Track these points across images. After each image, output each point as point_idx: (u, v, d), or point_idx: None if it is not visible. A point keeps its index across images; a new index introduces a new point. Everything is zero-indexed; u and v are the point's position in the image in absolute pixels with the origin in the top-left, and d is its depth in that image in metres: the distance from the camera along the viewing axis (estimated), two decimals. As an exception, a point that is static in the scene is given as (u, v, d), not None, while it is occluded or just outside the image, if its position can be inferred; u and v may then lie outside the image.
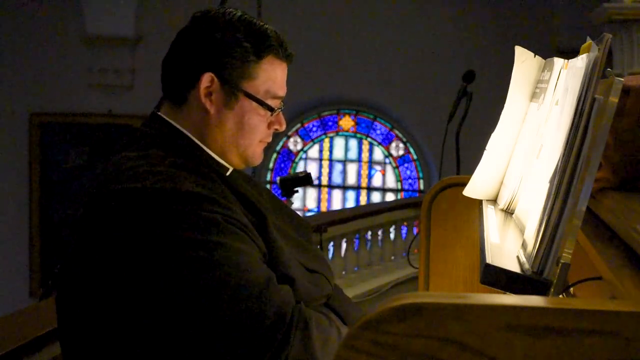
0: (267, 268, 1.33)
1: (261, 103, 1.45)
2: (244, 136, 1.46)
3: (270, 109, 1.46)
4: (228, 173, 1.48)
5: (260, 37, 1.44)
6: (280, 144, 10.33)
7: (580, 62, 1.17)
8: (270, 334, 1.25)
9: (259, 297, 1.26)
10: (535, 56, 1.62)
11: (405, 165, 10.21)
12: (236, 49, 1.42)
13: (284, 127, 1.52)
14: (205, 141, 1.45)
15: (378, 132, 10.22)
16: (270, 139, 1.52)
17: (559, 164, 1.08)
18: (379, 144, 10.24)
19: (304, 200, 10.34)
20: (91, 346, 1.35)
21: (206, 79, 1.41)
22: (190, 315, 1.25)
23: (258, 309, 1.25)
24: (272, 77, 1.46)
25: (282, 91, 1.48)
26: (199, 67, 1.42)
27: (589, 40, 1.17)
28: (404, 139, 10.13)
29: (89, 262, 1.32)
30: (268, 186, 10.18)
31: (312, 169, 10.32)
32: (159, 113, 1.48)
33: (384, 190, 10.32)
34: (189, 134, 1.44)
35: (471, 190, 1.70)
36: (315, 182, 10.20)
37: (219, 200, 1.32)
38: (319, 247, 4.55)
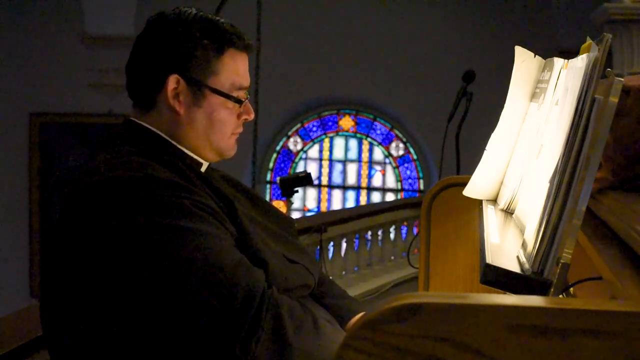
0: (238, 251, 1.34)
1: (228, 97, 1.47)
2: (215, 131, 1.48)
3: (239, 102, 1.49)
4: (203, 169, 1.51)
5: (218, 33, 1.47)
6: (280, 144, 10.34)
7: (580, 62, 1.17)
8: (239, 317, 1.25)
9: (227, 280, 1.27)
10: (535, 56, 1.62)
11: (405, 165, 10.21)
12: (197, 48, 1.44)
13: (252, 116, 1.54)
14: (178, 141, 1.48)
15: (378, 132, 10.23)
16: (241, 129, 1.55)
17: (559, 164, 1.08)
18: (379, 144, 10.24)
19: (304, 200, 10.34)
20: (75, 342, 1.35)
21: (172, 81, 1.44)
22: (160, 299, 1.26)
23: (227, 291, 1.26)
24: (234, 69, 1.48)
25: (246, 82, 1.51)
26: (163, 71, 1.44)
27: (589, 40, 1.17)
28: (404, 139, 10.13)
29: (65, 257, 1.34)
30: (268, 186, 10.19)
31: (312, 169, 10.32)
32: (131, 118, 1.50)
33: (384, 190, 10.32)
34: (161, 133, 1.47)
35: (471, 190, 1.70)
36: (315, 182, 10.20)
37: (186, 187, 1.34)
38: (318, 247, 4.55)
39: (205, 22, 1.47)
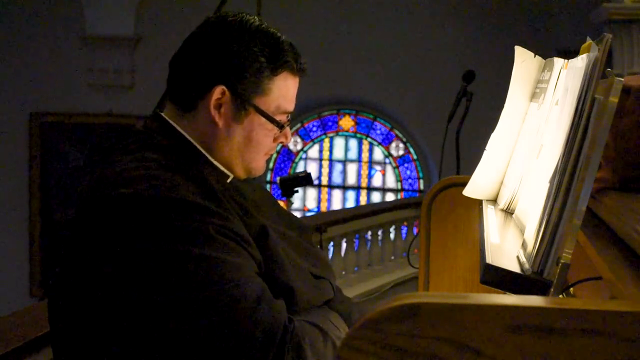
0: (261, 281, 1.29)
1: (271, 120, 1.42)
2: (251, 150, 1.43)
3: (280, 126, 1.44)
4: (229, 180, 1.46)
5: (277, 52, 1.41)
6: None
7: (580, 62, 1.17)
8: (259, 355, 1.22)
9: (248, 317, 1.23)
10: (535, 56, 1.62)
11: (405, 165, 10.21)
12: (252, 64, 1.39)
13: (289, 141, 1.50)
14: (211, 152, 1.42)
15: (378, 132, 10.23)
16: (274, 152, 1.51)
17: (559, 164, 1.08)
18: (379, 144, 10.24)
19: (304, 200, 10.34)
20: (81, 352, 1.33)
21: (218, 91, 1.38)
22: (176, 334, 1.23)
23: (247, 329, 1.22)
24: (284, 93, 1.43)
25: (291, 106, 1.46)
26: (212, 79, 1.39)
27: (589, 40, 1.17)
28: (404, 139, 10.13)
29: (80, 268, 1.30)
30: (268, 186, 10.18)
31: (312, 169, 10.32)
32: (163, 115, 1.44)
33: (384, 190, 10.32)
34: (192, 140, 1.41)
35: (471, 190, 1.70)
36: (315, 182, 10.20)
37: (213, 210, 1.28)
38: (318, 247, 4.55)
39: (267, 38, 1.41)
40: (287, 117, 1.47)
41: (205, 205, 1.28)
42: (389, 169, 10.30)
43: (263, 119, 1.42)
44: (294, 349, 1.26)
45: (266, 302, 1.26)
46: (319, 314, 1.43)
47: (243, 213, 1.38)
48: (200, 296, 1.22)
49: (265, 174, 10.25)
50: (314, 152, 10.41)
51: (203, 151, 1.42)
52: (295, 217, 1.68)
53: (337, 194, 10.43)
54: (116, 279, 1.25)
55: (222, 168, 1.44)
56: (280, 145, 1.53)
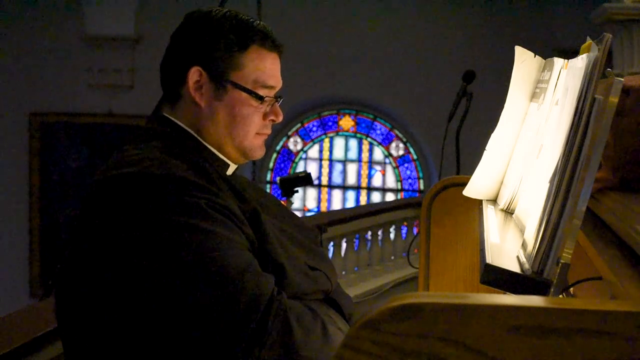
0: (250, 255, 1.33)
1: (249, 92, 1.47)
2: (237, 127, 1.48)
3: (260, 98, 1.48)
4: (229, 171, 1.51)
5: (244, 28, 1.48)
6: (280, 144, 10.33)
7: (580, 62, 1.17)
8: (242, 322, 1.25)
9: (233, 285, 1.26)
10: (535, 56, 1.62)
11: (405, 165, 10.21)
12: (221, 41, 1.46)
13: (280, 118, 1.53)
14: (202, 135, 1.48)
15: (378, 132, 10.22)
16: (268, 131, 1.54)
17: (559, 164, 1.08)
18: (379, 144, 10.24)
19: (304, 200, 10.34)
20: (89, 337, 1.36)
21: (194, 72, 1.46)
22: (164, 297, 1.26)
23: (231, 296, 1.25)
24: (260, 66, 1.48)
25: (272, 80, 1.50)
26: (186, 63, 1.46)
27: (589, 40, 1.17)
28: (404, 139, 10.13)
29: (84, 248, 1.35)
30: (268, 186, 10.19)
31: (312, 169, 10.32)
32: (163, 113, 1.51)
33: (384, 190, 10.32)
34: (188, 129, 1.48)
35: (471, 190, 1.70)
36: (315, 182, 10.20)
37: (205, 187, 1.34)
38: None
39: (233, 19, 1.49)
40: (273, 92, 1.51)
41: (198, 181, 1.34)
42: (389, 169, 10.30)
43: (244, 94, 1.47)
44: (279, 318, 1.28)
45: (253, 273, 1.30)
46: (317, 305, 1.45)
47: (237, 198, 1.43)
48: (188, 264, 1.26)
49: (265, 174, 10.25)
50: (314, 152, 10.41)
51: (199, 138, 1.48)
52: (302, 220, 1.72)
53: (337, 194, 10.43)
54: (113, 254, 1.30)
55: (219, 155, 1.50)
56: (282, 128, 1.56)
